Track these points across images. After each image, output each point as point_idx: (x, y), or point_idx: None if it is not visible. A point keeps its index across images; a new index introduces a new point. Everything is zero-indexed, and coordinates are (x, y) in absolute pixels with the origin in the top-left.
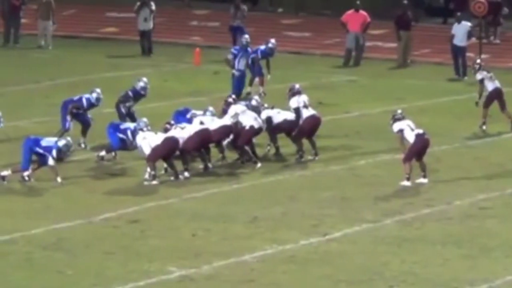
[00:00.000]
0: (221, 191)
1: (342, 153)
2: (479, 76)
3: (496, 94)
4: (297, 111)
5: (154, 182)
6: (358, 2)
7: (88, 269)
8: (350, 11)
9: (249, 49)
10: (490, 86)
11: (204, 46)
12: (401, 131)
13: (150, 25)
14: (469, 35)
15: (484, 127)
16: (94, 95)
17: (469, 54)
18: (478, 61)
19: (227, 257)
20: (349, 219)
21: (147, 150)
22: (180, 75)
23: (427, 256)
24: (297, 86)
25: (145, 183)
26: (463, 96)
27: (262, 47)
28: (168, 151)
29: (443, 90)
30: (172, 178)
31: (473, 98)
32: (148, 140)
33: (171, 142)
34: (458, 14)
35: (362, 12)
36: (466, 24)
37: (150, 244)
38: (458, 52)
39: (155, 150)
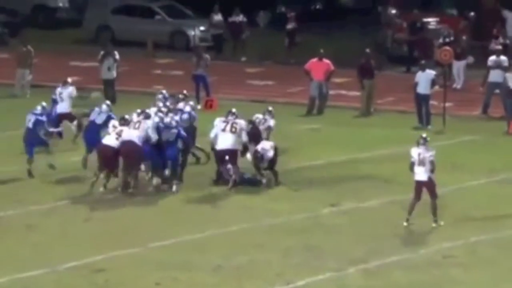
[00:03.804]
0: (186, 240)
1: (306, 202)
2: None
3: None
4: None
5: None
6: (321, 51)
7: None
8: (314, 59)
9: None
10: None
11: None
12: None
13: (114, 74)
14: (433, 83)
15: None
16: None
17: (432, 102)
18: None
19: None
20: (312, 268)
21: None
22: None
23: None
24: (233, 110)
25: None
26: None
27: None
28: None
29: (407, 138)
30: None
31: (438, 146)
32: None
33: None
34: (422, 62)
35: (326, 60)
36: (431, 73)
37: None
38: (421, 101)
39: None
